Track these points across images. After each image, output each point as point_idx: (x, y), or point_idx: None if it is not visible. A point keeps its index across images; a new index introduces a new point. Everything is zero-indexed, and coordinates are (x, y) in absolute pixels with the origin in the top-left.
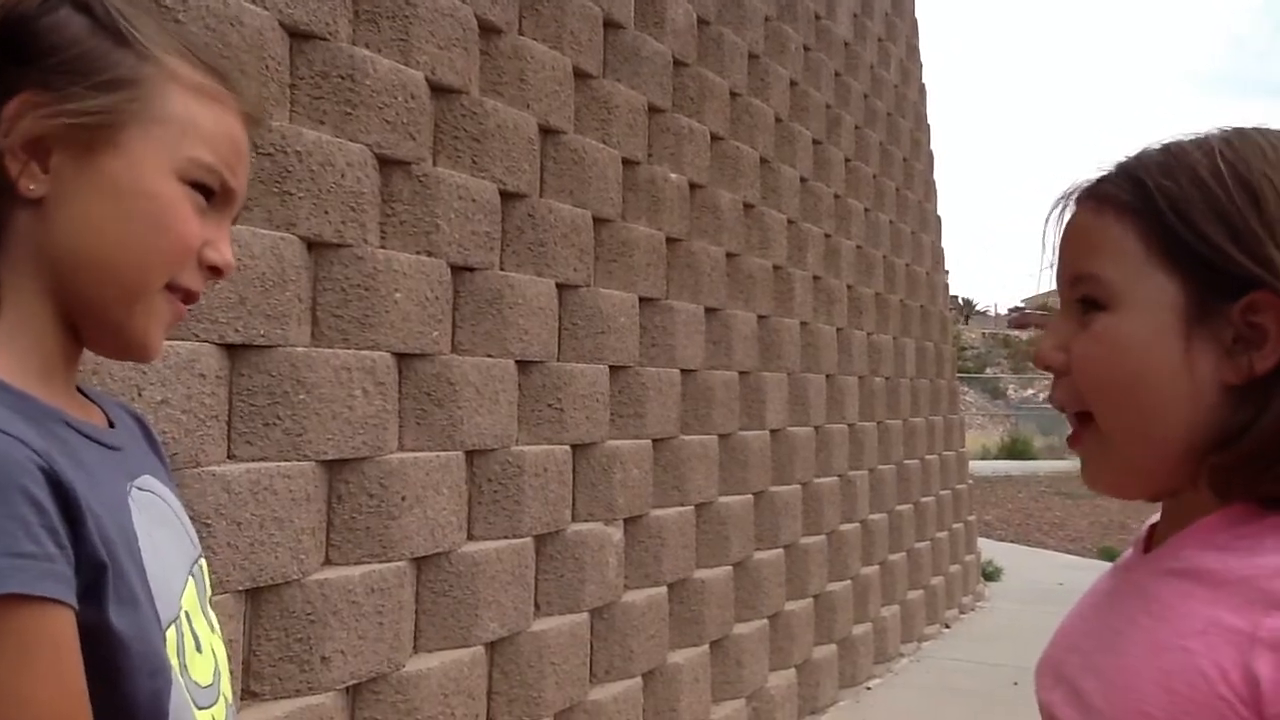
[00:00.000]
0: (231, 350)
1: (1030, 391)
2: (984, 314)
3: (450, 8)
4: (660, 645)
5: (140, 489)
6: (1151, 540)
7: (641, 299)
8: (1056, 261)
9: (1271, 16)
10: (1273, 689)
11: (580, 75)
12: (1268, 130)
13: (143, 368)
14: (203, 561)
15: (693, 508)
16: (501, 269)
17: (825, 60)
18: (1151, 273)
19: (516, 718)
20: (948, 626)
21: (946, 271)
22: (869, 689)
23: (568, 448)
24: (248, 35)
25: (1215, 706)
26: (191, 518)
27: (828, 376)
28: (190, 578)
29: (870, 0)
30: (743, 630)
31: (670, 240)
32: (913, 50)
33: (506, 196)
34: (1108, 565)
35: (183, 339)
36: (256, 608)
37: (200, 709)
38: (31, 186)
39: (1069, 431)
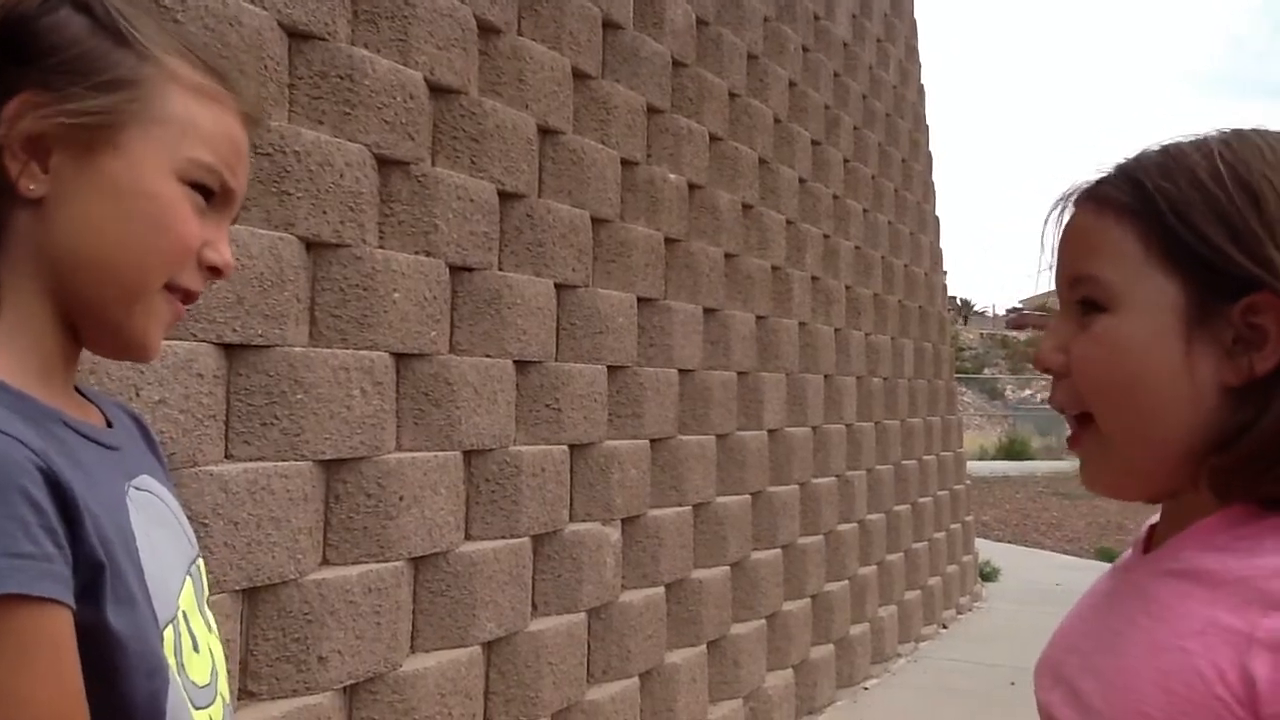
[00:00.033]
0: (229, 350)
1: (1028, 392)
2: (982, 315)
3: (449, 8)
4: (658, 645)
5: (138, 489)
6: (1151, 541)
7: (640, 299)
8: (1055, 263)
9: (1270, 17)
10: (1269, 689)
11: (579, 75)
12: (1266, 131)
13: (140, 367)
14: (200, 561)
15: (690, 508)
16: (500, 269)
17: (824, 61)
18: (1151, 274)
19: (514, 718)
20: (945, 627)
21: (945, 272)
22: (866, 689)
23: (565, 448)
24: (246, 35)
25: (1212, 707)
26: (189, 517)
27: (826, 377)
28: (188, 577)
29: (869, 1)
30: (740, 630)
31: (669, 240)
32: (911, 51)
33: (505, 197)
34: (1105, 566)
35: (180, 339)
36: (254, 607)
37: (197, 709)
38: (31, 186)
39: (1068, 433)
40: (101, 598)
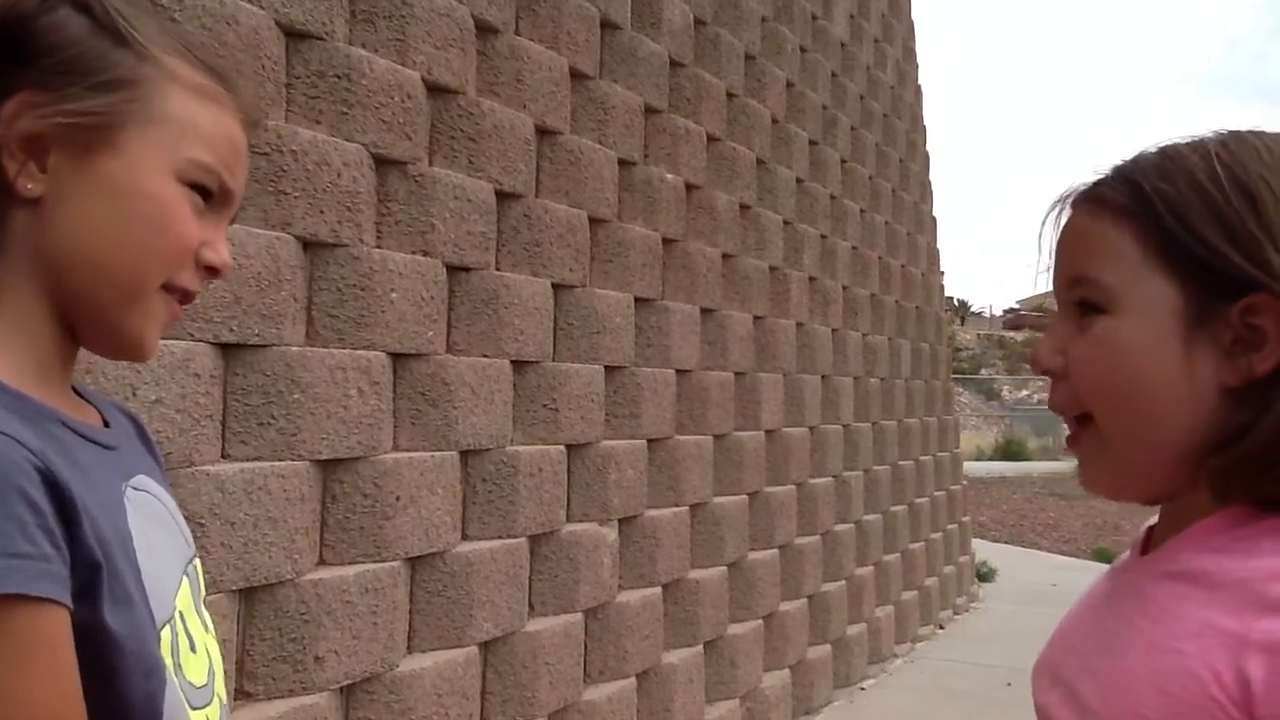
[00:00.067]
0: (226, 350)
1: (1025, 393)
2: (979, 315)
3: (447, 8)
4: (655, 645)
5: (135, 489)
6: (1149, 542)
7: (637, 299)
8: (1053, 265)
9: (1268, 18)
10: (1264, 690)
11: (577, 76)
12: (1264, 133)
13: (137, 367)
14: (197, 561)
15: (687, 508)
16: (497, 269)
17: (822, 61)
18: (1149, 276)
19: (510, 718)
20: (942, 627)
21: (942, 272)
22: (863, 689)
23: (563, 448)
24: (244, 35)
25: (1207, 708)
26: (186, 517)
27: (823, 377)
28: (185, 577)
29: (867, 2)
30: (737, 630)
31: (666, 241)
32: (909, 52)
33: (502, 196)
34: (1102, 567)
35: (177, 338)
36: (250, 607)
37: (194, 709)
38: (29, 186)
39: (1067, 434)
40: (99, 598)
